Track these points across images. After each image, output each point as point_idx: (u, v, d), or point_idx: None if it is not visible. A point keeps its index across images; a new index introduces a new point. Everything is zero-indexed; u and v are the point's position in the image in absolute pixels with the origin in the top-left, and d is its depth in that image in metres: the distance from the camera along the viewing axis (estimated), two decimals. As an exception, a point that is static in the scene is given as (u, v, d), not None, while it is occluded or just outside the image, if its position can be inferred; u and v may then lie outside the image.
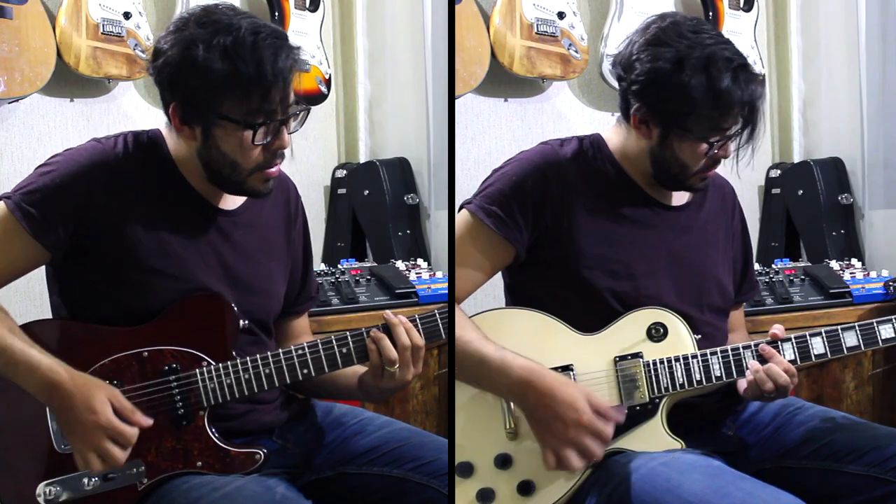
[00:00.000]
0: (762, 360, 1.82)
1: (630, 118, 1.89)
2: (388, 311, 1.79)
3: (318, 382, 1.89)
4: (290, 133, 1.77)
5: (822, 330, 1.83)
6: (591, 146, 1.95)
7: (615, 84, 1.97)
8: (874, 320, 1.84)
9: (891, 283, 2.97)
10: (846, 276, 3.03)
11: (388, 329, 1.77)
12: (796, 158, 3.65)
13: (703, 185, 1.93)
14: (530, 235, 1.89)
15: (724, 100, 1.79)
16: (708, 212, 2.00)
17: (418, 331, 1.78)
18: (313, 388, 1.95)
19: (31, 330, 1.72)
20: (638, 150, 1.91)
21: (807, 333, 1.84)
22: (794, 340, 1.83)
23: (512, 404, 1.82)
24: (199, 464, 1.74)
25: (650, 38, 1.84)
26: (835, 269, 3.07)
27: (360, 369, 1.83)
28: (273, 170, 1.78)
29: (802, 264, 3.17)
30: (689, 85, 1.78)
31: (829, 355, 1.83)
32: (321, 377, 1.82)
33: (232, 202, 1.85)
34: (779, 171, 3.54)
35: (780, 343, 1.83)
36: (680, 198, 1.97)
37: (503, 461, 1.81)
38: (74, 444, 1.67)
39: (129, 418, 1.68)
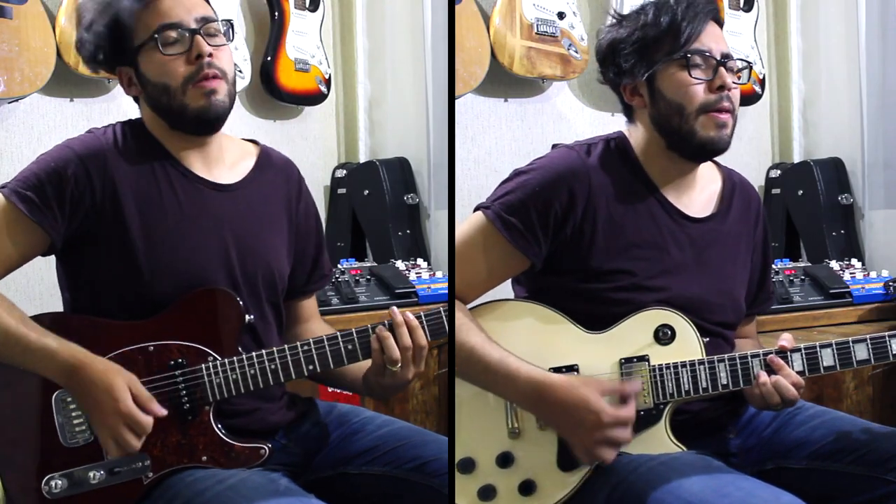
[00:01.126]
0: (770, 370, 1.78)
1: (627, 99, 1.91)
2: (394, 309, 1.78)
3: (327, 372, 1.89)
4: (214, 45, 1.81)
5: (833, 341, 1.79)
6: (617, 149, 1.91)
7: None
8: (886, 333, 1.79)
9: (891, 284, 2.97)
10: (846, 276, 3.03)
11: (392, 327, 1.77)
12: (796, 158, 3.66)
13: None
14: (548, 248, 1.86)
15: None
16: (731, 223, 1.95)
17: (424, 330, 1.78)
18: (322, 376, 1.94)
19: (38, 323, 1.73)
20: (656, 146, 1.89)
21: (817, 344, 1.79)
22: (803, 351, 1.79)
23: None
24: (204, 458, 1.74)
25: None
26: (835, 269, 3.07)
27: (366, 364, 1.83)
28: (209, 82, 1.79)
29: (802, 264, 3.17)
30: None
31: (838, 367, 1.79)
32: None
33: (227, 176, 1.88)
34: (779, 171, 3.55)
35: (788, 353, 1.79)
36: (703, 208, 1.93)
37: (504, 460, 1.81)
38: (94, 427, 1.69)
39: (145, 406, 1.69)
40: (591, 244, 1.84)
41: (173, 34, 1.79)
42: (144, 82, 1.82)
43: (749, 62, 1.94)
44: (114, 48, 1.83)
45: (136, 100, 1.89)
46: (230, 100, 1.83)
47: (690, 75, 1.83)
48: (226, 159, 1.89)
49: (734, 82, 1.86)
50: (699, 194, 1.94)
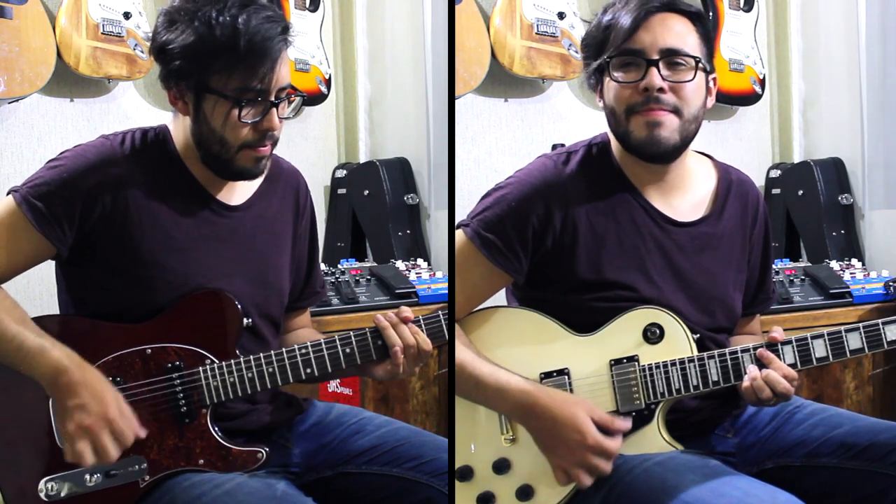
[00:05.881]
0: (761, 364, 1.76)
1: (597, 100, 1.84)
2: (405, 309, 1.78)
3: None
4: (282, 118, 1.77)
5: (825, 332, 1.76)
6: (599, 153, 1.87)
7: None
8: (879, 321, 1.75)
9: (891, 284, 2.98)
10: (846, 276, 3.03)
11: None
12: (796, 158, 3.66)
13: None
14: (530, 262, 1.83)
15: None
16: (724, 226, 1.89)
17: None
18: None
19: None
20: (619, 148, 1.84)
21: (808, 336, 1.76)
22: (794, 343, 1.76)
23: None
24: (201, 462, 1.74)
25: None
26: (835, 269, 3.08)
27: None
28: (263, 149, 1.77)
29: (803, 264, 3.17)
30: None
31: (830, 358, 1.75)
32: None
33: (239, 196, 1.85)
34: (779, 172, 3.55)
35: (779, 346, 1.76)
36: (693, 211, 1.88)
37: (501, 466, 1.80)
38: (69, 431, 1.66)
39: (129, 421, 1.68)
40: (573, 256, 1.81)
41: (252, 97, 1.72)
42: (201, 119, 1.75)
43: (697, 57, 1.79)
44: (190, 65, 1.72)
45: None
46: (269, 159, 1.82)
47: (615, 77, 1.78)
48: None
49: (676, 80, 1.76)
50: (689, 195, 1.88)
